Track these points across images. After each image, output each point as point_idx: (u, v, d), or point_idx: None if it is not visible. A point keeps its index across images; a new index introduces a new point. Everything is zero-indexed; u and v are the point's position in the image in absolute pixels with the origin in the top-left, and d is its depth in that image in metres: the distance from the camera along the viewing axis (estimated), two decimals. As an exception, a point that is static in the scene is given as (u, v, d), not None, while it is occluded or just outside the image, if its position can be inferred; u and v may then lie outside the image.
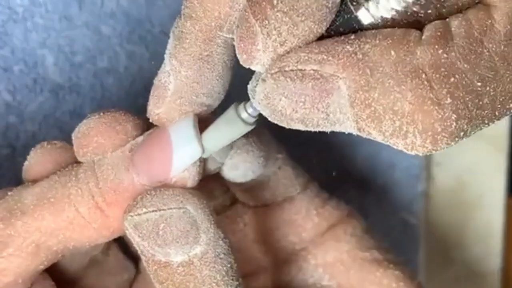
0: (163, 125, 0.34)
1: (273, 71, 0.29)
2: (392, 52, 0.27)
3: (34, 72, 0.42)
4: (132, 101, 0.43)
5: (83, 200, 0.33)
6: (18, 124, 0.41)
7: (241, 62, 0.30)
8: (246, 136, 0.35)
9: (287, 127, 0.29)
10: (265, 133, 0.38)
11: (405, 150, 0.28)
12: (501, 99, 0.28)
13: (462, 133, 0.28)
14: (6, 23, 0.41)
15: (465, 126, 0.27)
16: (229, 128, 0.33)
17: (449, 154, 0.50)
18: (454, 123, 0.27)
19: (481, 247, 0.52)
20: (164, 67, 0.33)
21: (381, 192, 0.49)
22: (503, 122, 0.50)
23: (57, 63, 0.42)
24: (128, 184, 0.33)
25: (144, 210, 0.32)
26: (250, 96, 0.31)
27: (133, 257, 0.39)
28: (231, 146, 0.35)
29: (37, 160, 0.35)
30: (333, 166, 0.48)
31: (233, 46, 0.31)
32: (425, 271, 0.50)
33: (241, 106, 0.32)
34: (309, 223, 0.39)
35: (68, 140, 0.42)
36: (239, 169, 0.36)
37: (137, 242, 0.33)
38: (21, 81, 0.42)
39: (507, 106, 0.28)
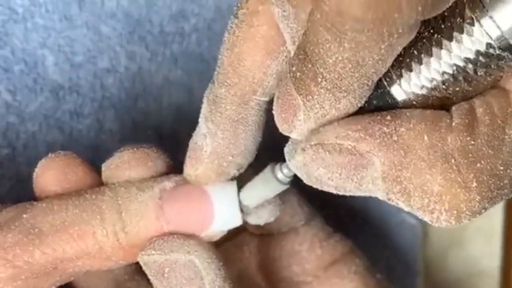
0: (198, 184, 0.35)
1: (313, 143, 0.30)
2: (425, 137, 0.29)
3: (34, 72, 0.42)
4: (132, 102, 0.43)
5: (108, 240, 0.34)
6: (18, 124, 0.41)
7: (280, 130, 0.31)
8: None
9: (319, 188, 0.31)
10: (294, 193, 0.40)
11: (430, 223, 0.30)
12: None
13: (483, 210, 0.30)
14: (6, 23, 0.41)
15: (487, 205, 0.30)
16: (265, 187, 0.35)
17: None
18: (478, 204, 0.29)
19: (481, 246, 0.52)
20: (200, 130, 0.35)
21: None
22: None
23: (57, 63, 0.42)
24: (155, 232, 0.34)
25: (153, 252, 0.34)
26: (287, 158, 0.32)
27: None
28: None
29: (46, 173, 0.36)
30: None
31: (265, 108, 0.33)
32: (424, 270, 0.50)
33: (277, 167, 0.34)
34: (312, 255, 0.40)
35: (68, 140, 0.42)
36: (263, 219, 0.37)
37: (149, 277, 0.35)
38: (21, 81, 0.42)
39: None
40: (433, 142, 0.29)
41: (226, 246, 0.40)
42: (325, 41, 0.27)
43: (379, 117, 0.30)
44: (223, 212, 0.34)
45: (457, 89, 0.29)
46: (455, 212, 0.29)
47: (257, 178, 0.35)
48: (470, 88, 0.29)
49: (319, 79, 0.28)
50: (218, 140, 0.34)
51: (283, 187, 0.34)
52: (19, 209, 0.35)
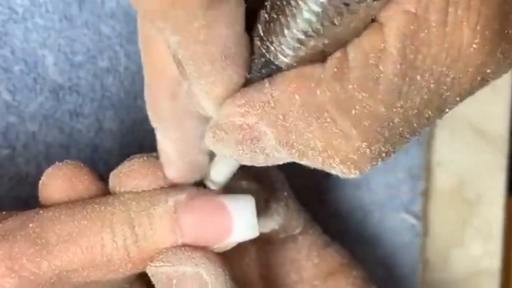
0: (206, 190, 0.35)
1: (211, 125, 0.31)
2: (297, 97, 0.29)
3: (34, 72, 0.42)
4: (132, 101, 0.43)
5: (117, 253, 0.34)
6: (18, 124, 0.42)
7: None
8: (274, 196, 0.38)
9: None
10: (282, 179, 0.39)
11: (342, 176, 0.30)
12: (413, 113, 0.29)
13: (383, 154, 0.29)
14: (6, 23, 0.41)
15: (382, 148, 0.29)
16: (228, 161, 0.35)
17: (449, 154, 0.50)
18: (368, 150, 0.29)
19: (481, 246, 0.51)
20: (157, 136, 0.35)
21: (381, 192, 0.49)
22: (503, 122, 0.50)
23: (57, 63, 0.42)
24: (170, 245, 0.34)
25: (161, 263, 0.34)
26: None
27: None
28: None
29: (52, 182, 0.35)
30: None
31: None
32: (424, 270, 0.50)
33: None
34: (310, 263, 0.40)
35: (68, 140, 0.42)
36: (267, 229, 0.38)
37: (158, 286, 0.34)
38: (21, 81, 0.42)
39: (425, 116, 0.29)
40: (304, 99, 0.29)
41: (226, 252, 0.40)
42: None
43: (259, 86, 0.30)
44: (242, 225, 0.34)
45: (326, 41, 0.29)
46: (349, 163, 0.29)
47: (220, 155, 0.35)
48: (342, 33, 0.28)
49: (185, 67, 0.29)
50: (174, 140, 0.34)
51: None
52: (25, 217, 0.34)
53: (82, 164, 0.36)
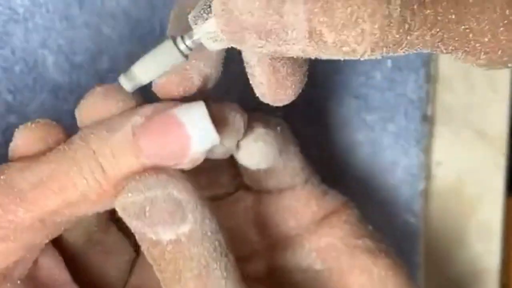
0: (165, 97, 0.35)
1: None
2: None
3: (34, 72, 0.42)
4: (132, 101, 0.43)
5: (90, 188, 0.34)
6: (18, 124, 0.41)
7: None
8: (266, 125, 0.37)
9: (241, 47, 0.30)
10: (284, 126, 0.39)
11: (354, 46, 0.28)
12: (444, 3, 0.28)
13: (406, 25, 0.28)
14: (7, 23, 0.41)
15: (408, 18, 0.28)
16: (163, 59, 0.33)
17: (449, 154, 0.50)
18: (399, 9, 0.28)
19: (481, 245, 0.52)
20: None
21: (381, 191, 0.49)
22: (503, 122, 0.50)
23: (57, 63, 0.42)
24: (137, 169, 0.34)
25: (130, 194, 0.34)
26: (193, 23, 0.31)
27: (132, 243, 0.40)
28: (246, 133, 0.37)
29: (23, 140, 0.36)
30: (333, 166, 0.48)
31: None
32: (424, 269, 0.50)
33: (179, 39, 0.33)
34: (308, 211, 0.40)
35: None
36: (255, 157, 0.37)
37: (128, 222, 0.34)
38: (22, 81, 0.42)
39: (449, 17, 0.28)
40: None
41: (221, 202, 0.40)
42: None
43: None
44: (197, 130, 0.34)
45: None
46: (378, 16, 0.28)
47: (155, 50, 0.33)
48: None
49: None
50: None
51: (182, 59, 0.33)
52: None
53: (55, 123, 0.36)
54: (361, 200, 0.48)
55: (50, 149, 0.35)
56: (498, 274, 0.52)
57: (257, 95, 0.35)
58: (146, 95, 0.36)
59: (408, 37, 0.28)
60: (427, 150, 0.49)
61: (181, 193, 0.34)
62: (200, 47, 0.32)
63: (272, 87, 0.34)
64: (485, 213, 0.51)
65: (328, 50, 0.29)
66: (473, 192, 0.51)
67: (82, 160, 0.34)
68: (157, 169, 0.34)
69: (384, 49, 0.28)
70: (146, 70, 0.34)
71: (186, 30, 0.32)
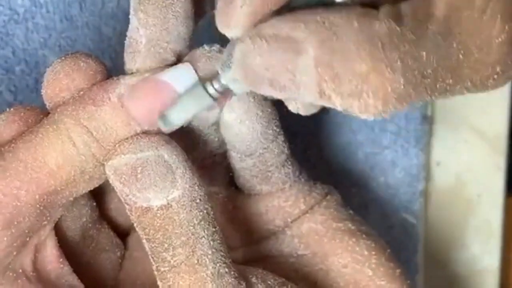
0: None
1: (251, 34, 0.32)
2: (355, 23, 0.31)
3: (35, 72, 0.42)
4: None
5: (88, 163, 0.35)
6: (19, 124, 0.42)
7: (220, 29, 0.33)
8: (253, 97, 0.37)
9: (257, 92, 0.33)
10: (273, 113, 0.39)
11: (358, 113, 0.32)
12: (442, 73, 0.31)
13: (408, 98, 0.31)
14: (8, 23, 0.41)
15: (411, 91, 0.31)
16: (194, 102, 0.35)
17: (448, 154, 0.50)
18: (402, 86, 0.31)
19: (480, 245, 0.52)
20: (132, 25, 0.35)
21: (381, 191, 0.49)
22: (503, 122, 0.50)
23: (58, 63, 0.42)
24: (131, 134, 0.35)
25: (122, 156, 0.34)
26: (220, 69, 0.34)
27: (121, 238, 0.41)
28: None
29: (8, 122, 0.36)
30: (334, 166, 0.48)
31: None
32: (424, 269, 0.50)
33: (207, 83, 0.34)
34: (296, 210, 0.40)
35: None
36: (235, 111, 0.37)
37: (119, 189, 0.34)
38: (23, 81, 0.42)
39: (446, 81, 0.32)
40: (361, 27, 0.31)
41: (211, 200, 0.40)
42: None
43: (312, 10, 0.32)
44: (186, 92, 0.34)
45: None
46: (381, 93, 0.31)
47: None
48: None
49: None
50: (150, 28, 0.35)
51: (212, 102, 0.35)
52: None
53: (38, 110, 0.36)
54: (361, 200, 0.48)
55: (31, 132, 0.35)
56: (497, 274, 0.52)
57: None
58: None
59: (409, 103, 0.32)
60: (426, 150, 0.49)
61: (172, 156, 0.34)
62: (227, 89, 0.34)
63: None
64: (484, 213, 0.51)
65: (337, 107, 0.32)
66: (473, 192, 0.51)
67: (76, 136, 0.34)
68: (148, 133, 0.35)
69: (387, 114, 0.32)
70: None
71: (214, 75, 0.34)
